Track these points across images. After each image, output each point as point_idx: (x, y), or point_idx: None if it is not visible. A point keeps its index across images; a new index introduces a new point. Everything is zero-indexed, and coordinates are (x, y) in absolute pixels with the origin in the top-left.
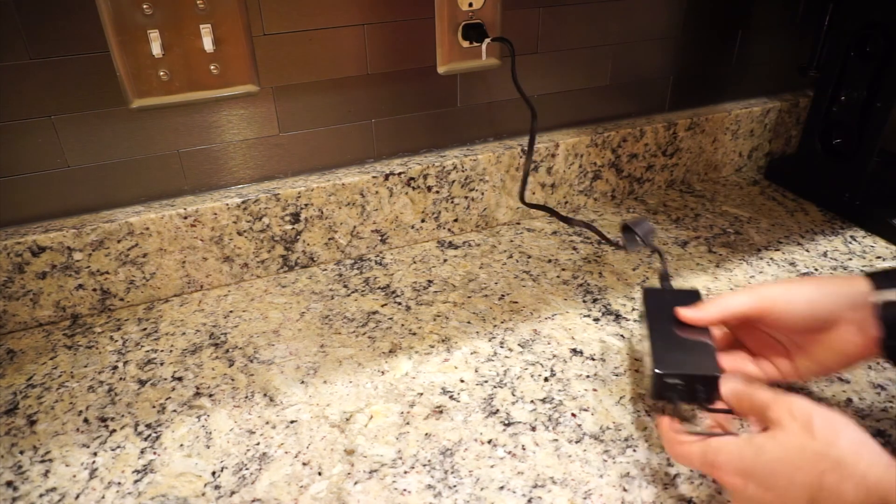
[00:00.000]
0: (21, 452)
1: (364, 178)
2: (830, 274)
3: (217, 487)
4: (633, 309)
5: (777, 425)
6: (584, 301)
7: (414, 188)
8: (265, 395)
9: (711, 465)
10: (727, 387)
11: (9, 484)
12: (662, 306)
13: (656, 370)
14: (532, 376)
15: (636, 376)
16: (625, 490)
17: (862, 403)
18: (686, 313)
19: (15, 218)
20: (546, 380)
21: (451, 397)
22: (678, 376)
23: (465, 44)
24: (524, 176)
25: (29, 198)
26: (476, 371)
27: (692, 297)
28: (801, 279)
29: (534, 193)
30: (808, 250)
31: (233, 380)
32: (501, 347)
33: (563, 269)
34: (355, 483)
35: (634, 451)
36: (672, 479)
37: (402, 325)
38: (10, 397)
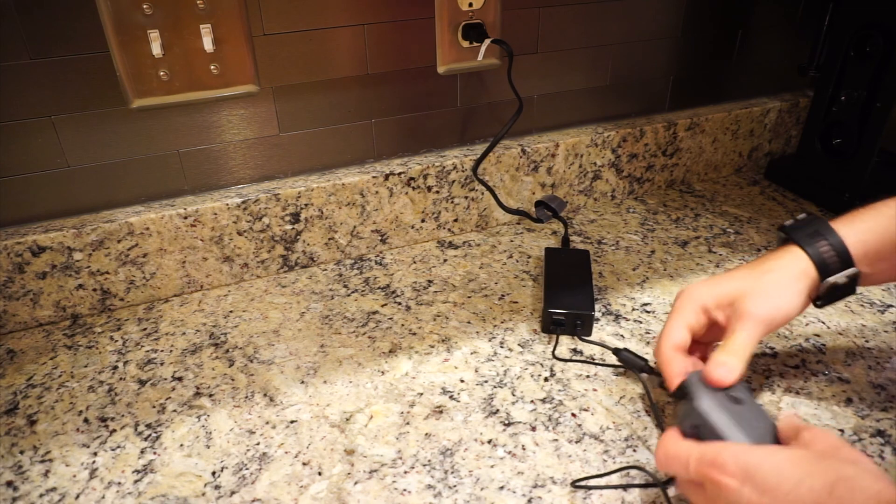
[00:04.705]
0: (21, 452)
1: (364, 178)
2: None
3: (217, 487)
4: (633, 309)
5: (799, 444)
6: None
7: (414, 188)
8: (265, 395)
9: (711, 463)
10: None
11: (9, 484)
12: (558, 261)
13: (548, 309)
14: (532, 376)
15: (636, 376)
16: (625, 490)
17: (862, 403)
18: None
19: (15, 218)
20: (546, 380)
21: (451, 397)
22: (562, 313)
23: (465, 44)
24: (486, 150)
25: (29, 198)
26: (476, 371)
27: (582, 255)
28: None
29: (533, 193)
30: None
31: (233, 380)
32: (501, 347)
33: None
34: (355, 483)
35: (634, 451)
36: (672, 478)
37: (402, 325)
38: (10, 397)
